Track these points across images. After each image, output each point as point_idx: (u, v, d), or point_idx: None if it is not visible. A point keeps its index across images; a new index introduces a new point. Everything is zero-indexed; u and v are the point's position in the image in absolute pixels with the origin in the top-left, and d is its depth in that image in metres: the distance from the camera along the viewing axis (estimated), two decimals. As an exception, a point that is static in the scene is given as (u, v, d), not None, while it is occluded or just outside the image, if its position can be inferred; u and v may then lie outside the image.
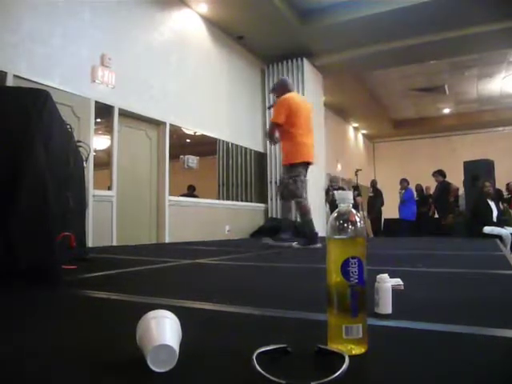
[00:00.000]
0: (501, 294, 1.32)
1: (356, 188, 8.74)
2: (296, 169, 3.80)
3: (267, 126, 4.19)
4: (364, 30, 6.97)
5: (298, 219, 4.11)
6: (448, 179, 8.40)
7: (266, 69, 8.24)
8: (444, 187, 8.20)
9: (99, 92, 4.79)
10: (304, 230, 3.91)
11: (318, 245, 3.72)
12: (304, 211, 3.82)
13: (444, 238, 6.94)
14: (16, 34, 3.95)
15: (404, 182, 9.14)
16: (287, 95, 3.92)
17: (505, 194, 8.59)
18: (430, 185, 8.77)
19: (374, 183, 9.94)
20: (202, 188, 6.61)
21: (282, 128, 3.83)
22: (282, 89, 4.02)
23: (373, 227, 9.54)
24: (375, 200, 9.49)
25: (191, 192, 6.49)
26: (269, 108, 4.24)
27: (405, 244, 4.76)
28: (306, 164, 3.92)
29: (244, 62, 7.75)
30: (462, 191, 8.35)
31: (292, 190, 3.77)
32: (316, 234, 3.86)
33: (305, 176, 3.92)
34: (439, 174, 8.26)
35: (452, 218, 8.05)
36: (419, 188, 9.50)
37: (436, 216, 8.73)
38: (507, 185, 8.77)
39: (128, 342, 0.67)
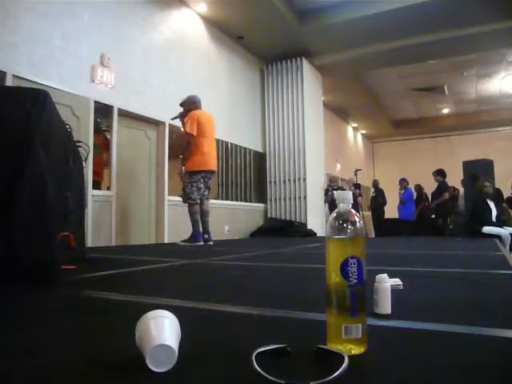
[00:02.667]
0: (501, 294, 1.32)
1: (357, 186, 8.73)
2: (195, 176, 4.42)
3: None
4: (364, 30, 6.98)
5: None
6: (447, 179, 8.38)
7: (266, 69, 8.25)
8: (442, 188, 8.18)
9: (99, 92, 4.79)
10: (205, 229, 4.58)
11: (200, 243, 4.38)
12: (192, 211, 4.46)
13: (443, 237, 6.95)
14: (16, 33, 3.95)
15: (403, 182, 9.13)
16: (197, 111, 4.52)
17: (510, 193, 8.56)
18: (431, 185, 8.76)
19: (376, 183, 9.94)
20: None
21: (192, 139, 4.40)
22: (191, 104, 4.57)
23: (375, 227, 9.56)
24: (378, 200, 9.49)
25: None
26: (172, 119, 4.82)
27: (405, 244, 4.76)
28: (208, 172, 4.53)
29: (243, 61, 7.75)
30: (461, 191, 8.36)
31: (188, 192, 4.41)
32: (198, 233, 4.46)
33: (207, 182, 4.56)
34: (438, 173, 8.23)
35: (452, 218, 8.06)
36: (418, 188, 9.50)
37: (433, 216, 8.72)
38: None
39: (128, 342, 0.67)
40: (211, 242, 4.51)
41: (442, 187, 8.14)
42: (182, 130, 4.61)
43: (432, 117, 13.48)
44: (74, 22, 4.56)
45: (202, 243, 4.41)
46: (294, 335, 0.83)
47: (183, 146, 4.53)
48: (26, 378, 0.60)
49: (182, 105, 4.69)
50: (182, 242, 4.48)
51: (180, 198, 4.70)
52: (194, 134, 4.39)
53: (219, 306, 1.14)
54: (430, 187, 8.85)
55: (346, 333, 0.66)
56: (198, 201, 4.47)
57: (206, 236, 4.54)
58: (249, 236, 7.25)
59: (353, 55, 7.97)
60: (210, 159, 4.52)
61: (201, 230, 4.50)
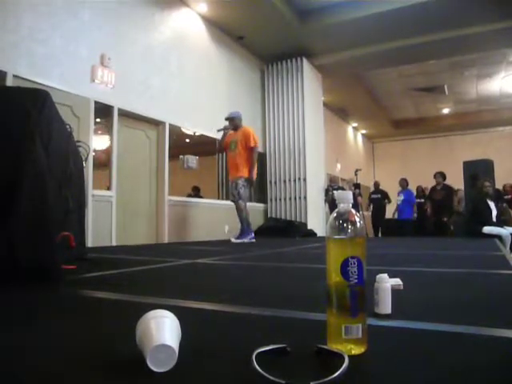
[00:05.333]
0: (501, 294, 1.32)
1: (357, 186, 8.74)
2: (249, 182, 5.28)
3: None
4: (364, 30, 6.98)
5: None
6: (447, 179, 8.39)
7: (266, 69, 8.25)
8: (451, 192, 8.18)
9: (99, 92, 4.79)
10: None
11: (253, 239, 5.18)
12: (244, 210, 5.20)
13: (444, 237, 6.95)
14: (16, 33, 3.95)
15: (403, 182, 9.12)
16: (249, 127, 5.43)
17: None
18: (430, 185, 8.77)
19: (377, 185, 9.93)
20: (201, 188, 6.63)
21: (250, 151, 5.20)
22: (239, 121, 5.34)
23: (379, 227, 9.58)
24: (382, 201, 9.48)
25: (197, 193, 6.53)
26: (219, 131, 5.46)
27: (405, 244, 4.76)
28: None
29: (244, 62, 7.75)
30: (461, 192, 8.35)
31: (242, 194, 5.16)
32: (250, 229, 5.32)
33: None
34: (440, 175, 8.24)
35: (453, 218, 8.06)
36: (420, 189, 9.49)
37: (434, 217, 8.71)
38: (504, 186, 8.75)
39: (128, 342, 0.67)
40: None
41: (450, 192, 8.14)
42: (221, 140, 5.43)
43: (432, 117, 13.48)
44: (74, 22, 4.56)
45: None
46: (294, 335, 0.83)
47: (252, 158, 5.22)
48: (25, 378, 0.60)
49: (229, 119, 5.30)
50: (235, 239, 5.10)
51: (179, 198, 4.74)
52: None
53: (219, 305, 1.14)
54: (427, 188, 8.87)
55: (346, 332, 0.66)
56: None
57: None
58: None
59: (353, 55, 7.96)
60: None
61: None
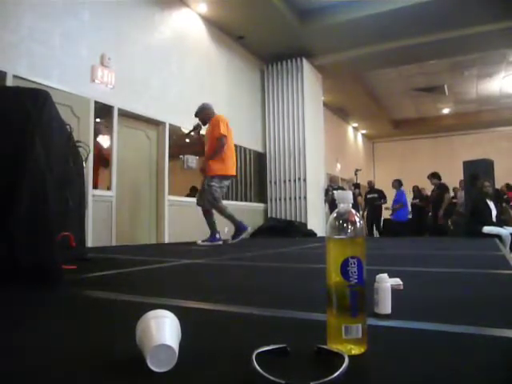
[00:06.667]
0: (501, 294, 1.32)
1: (357, 186, 8.73)
2: (226, 181, 4.56)
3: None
4: (364, 30, 6.98)
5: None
6: (447, 179, 8.39)
7: (266, 69, 8.25)
8: (444, 190, 8.19)
9: (99, 92, 4.79)
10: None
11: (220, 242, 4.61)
12: (221, 213, 4.61)
13: (443, 237, 6.95)
14: (16, 33, 3.95)
15: (395, 183, 9.10)
16: (220, 115, 4.55)
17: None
18: (430, 185, 8.77)
19: (372, 184, 9.89)
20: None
21: (216, 143, 4.38)
22: (208, 112, 4.57)
23: (377, 228, 9.57)
24: (378, 201, 9.45)
25: (194, 193, 6.53)
26: (188, 133, 4.92)
27: (404, 244, 4.76)
28: (230, 177, 4.63)
29: (243, 62, 7.75)
30: (461, 192, 8.36)
31: (217, 197, 4.49)
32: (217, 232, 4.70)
33: (227, 186, 4.70)
34: (433, 176, 8.24)
35: (453, 218, 8.06)
36: (416, 189, 9.48)
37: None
38: (501, 187, 8.75)
39: (128, 342, 0.67)
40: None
41: (442, 190, 8.14)
42: (192, 133, 4.84)
43: (432, 117, 13.49)
44: (74, 22, 4.56)
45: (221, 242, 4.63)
46: (294, 335, 0.83)
47: (215, 148, 4.40)
48: (26, 378, 0.60)
49: (197, 115, 4.65)
50: (232, 240, 4.67)
51: (179, 198, 4.67)
52: (227, 135, 4.41)
53: (219, 305, 1.14)
54: (429, 187, 8.85)
55: (346, 333, 0.66)
56: (221, 201, 4.61)
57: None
58: (249, 236, 7.24)
59: (353, 55, 7.97)
60: (234, 164, 4.63)
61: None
